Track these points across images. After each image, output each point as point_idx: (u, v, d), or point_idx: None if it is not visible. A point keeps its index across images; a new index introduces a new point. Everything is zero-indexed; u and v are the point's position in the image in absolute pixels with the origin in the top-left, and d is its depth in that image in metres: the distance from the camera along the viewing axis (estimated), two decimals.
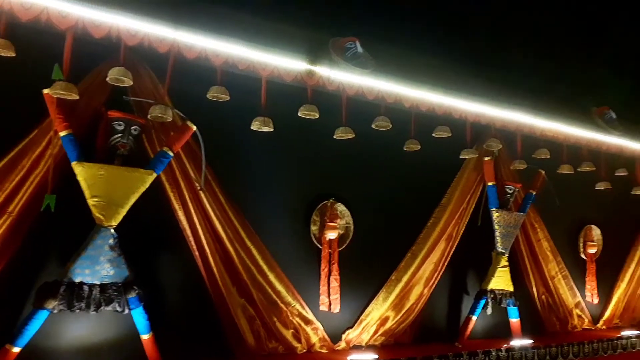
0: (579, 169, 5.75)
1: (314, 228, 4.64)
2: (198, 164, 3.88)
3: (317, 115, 4.03)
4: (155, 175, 3.60)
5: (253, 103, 3.87)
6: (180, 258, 3.97)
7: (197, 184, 3.88)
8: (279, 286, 4.23)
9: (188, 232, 3.91)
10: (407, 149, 4.68)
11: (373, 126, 4.42)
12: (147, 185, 3.56)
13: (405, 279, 4.92)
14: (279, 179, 4.49)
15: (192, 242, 3.93)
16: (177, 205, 3.88)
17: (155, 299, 3.79)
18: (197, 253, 3.94)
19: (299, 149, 4.55)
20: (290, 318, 4.30)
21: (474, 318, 5.21)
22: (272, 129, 3.88)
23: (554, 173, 5.70)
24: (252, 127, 3.88)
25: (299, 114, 4.03)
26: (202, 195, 3.90)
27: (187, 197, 3.88)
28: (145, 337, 3.58)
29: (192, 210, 3.88)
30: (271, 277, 4.19)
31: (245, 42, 3.79)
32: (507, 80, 5.79)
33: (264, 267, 4.15)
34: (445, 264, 5.20)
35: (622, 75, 8.11)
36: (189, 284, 4.01)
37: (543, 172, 5.67)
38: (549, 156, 5.43)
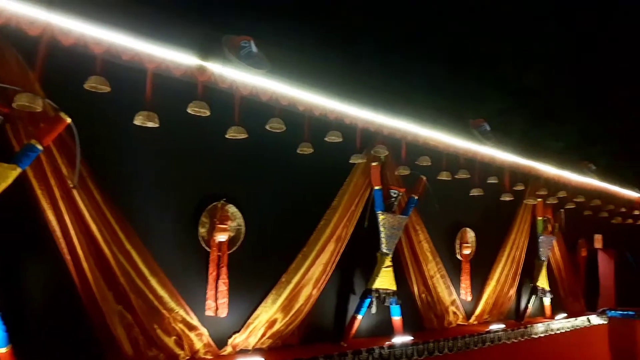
0: (456, 176, 6.22)
1: (202, 230, 4.49)
2: (72, 160, 3.55)
3: (208, 113, 3.90)
4: (19, 170, 3.24)
5: (138, 97, 3.64)
6: (49, 263, 3.61)
7: (69, 182, 3.55)
8: (161, 291, 4.02)
9: (58, 233, 3.57)
10: (301, 152, 4.72)
11: (267, 127, 4.40)
12: (9, 181, 3.19)
13: (295, 280, 4.95)
14: (165, 178, 4.28)
15: (63, 245, 3.59)
16: (46, 205, 3.52)
17: (17, 308, 3.40)
18: (68, 257, 3.60)
19: (188, 147, 4.38)
20: (173, 324, 4.11)
21: (359, 317, 5.40)
22: (157, 125, 3.67)
23: (434, 179, 6.10)
24: (135, 122, 3.64)
25: (188, 111, 3.88)
26: (76, 193, 3.58)
27: (57, 195, 3.53)
28: (1, 350, 3.20)
29: (64, 210, 3.55)
30: (153, 282, 3.96)
31: (131, 31, 3.55)
32: (395, 91, 6.10)
33: (145, 271, 3.92)
34: (334, 264, 5.32)
35: (498, 90, 8.92)
36: (58, 292, 3.66)
37: (424, 178, 6.05)
38: (430, 163, 5.80)
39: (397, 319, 5.63)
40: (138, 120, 3.63)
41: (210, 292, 4.40)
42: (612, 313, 9.45)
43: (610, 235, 10.03)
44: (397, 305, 5.60)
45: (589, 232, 9.61)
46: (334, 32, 5.87)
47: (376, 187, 5.64)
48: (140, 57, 3.62)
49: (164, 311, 4.05)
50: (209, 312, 4.39)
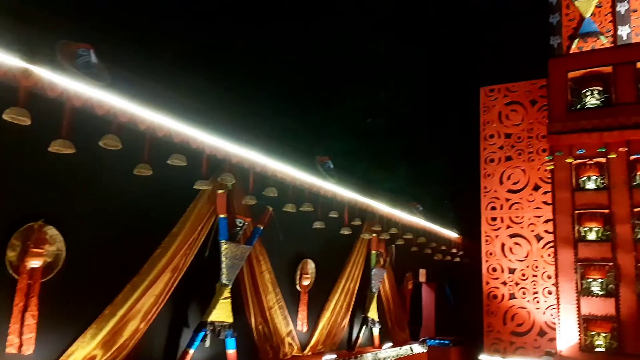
0: (300, 209, 6.40)
1: (11, 254, 3.89)
2: None
3: (29, 122, 3.46)
4: None
5: None
6: None
7: None
8: None
9: None
10: (138, 173, 4.43)
11: (100, 144, 4.05)
12: None
13: (120, 313, 4.53)
14: None
15: None
16: None
17: None
18: None
19: (3, 158, 3.81)
20: None
21: (191, 351, 5.14)
22: None
23: (280, 210, 6.20)
24: None
25: (4, 117, 3.39)
26: None
27: None
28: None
29: None
30: None
31: None
32: (247, 122, 6.16)
33: None
34: (168, 296, 5.00)
35: (344, 132, 9.52)
36: None
37: (271, 209, 6.11)
38: (276, 195, 5.89)
39: (231, 352, 5.48)
40: None
41: (13, 326, 3.80)
42: (431, 342, 10.46)
43: (432, 270, 11.19)
44: (233, 338, 5.46)
45: (415, 266, 10.60)
46: (191, 56, 5.78)
47: (221, 216, 5.52)
48: None
49: None
50: (12, 349, 3.78)
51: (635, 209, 7.89)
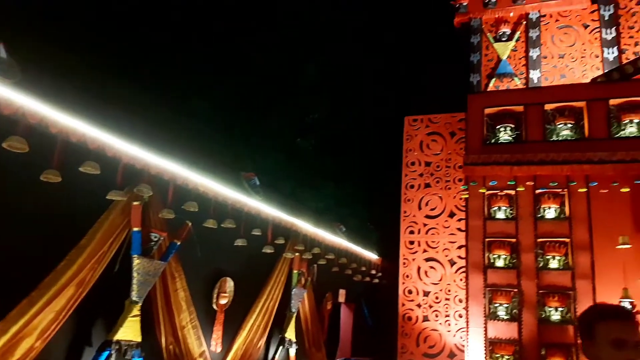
0: (222, 225, 6.25)
1: None
2: None
3: None
4: None
5: None
6: None
7: None
8: None
9: None
10: (45, 179, 4.12)
11: (4, 145, 3.73)
12: None
13: (13, 330, 4.13)
14: None
15: None
16: None
17: None
18: None
19: None
20: None
21: None
22: None
23: (200, 226, 6.02)
24: None
25: None
26: None
27: None
28: None
29: None
30: None
31: None
32: (170, 132, 5.97)
33: None
34: (70, 312, 4.65)
35: (274, 148, 9.50)
36: None
37: (190, 224, 5.92)
38: (197, 209, 5.72)
39: None
40: None
41: None
42: None
43: (352, 290, 11.34)
44: (140, 358, 5.16)
45: (336, 287, 10.69)
46: (116, 63, 5.54)
47: (135, 229, 5.25)
48: None
49: None
50: None
51: (539, 239, 8.50)
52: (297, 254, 8.32)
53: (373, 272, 11.46)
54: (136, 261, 5.21)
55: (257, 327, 7.65)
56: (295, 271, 8.43)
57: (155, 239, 5.47)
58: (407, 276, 9.67)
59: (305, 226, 8.24)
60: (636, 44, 9.82)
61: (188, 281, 6.22)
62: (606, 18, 10.01)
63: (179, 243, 5.80)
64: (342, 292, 10.81)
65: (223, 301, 6.93)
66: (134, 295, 5.18)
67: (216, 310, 6.87)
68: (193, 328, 6.25)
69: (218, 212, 6.22)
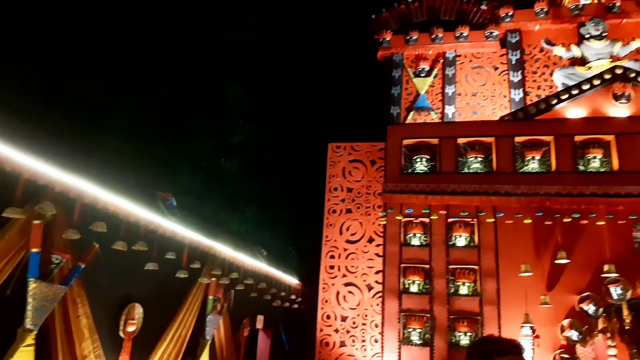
0: (133, 247, 5.95)
1: None
2: None
3: None
4: None
5: None
6: None
7: None
8: None
9: None
10: None
11: None
12: None
13: None
14: None
15: None
16: None
17: None
18: None
19: None
20: None
21: None
22: None
23: (108, 248, 5.68)
24: None
25: None
26: None
27: None
28: None
29: None
30: None
31: None
32: (85, 149, 5.65)
33: None
34: None
35: (196, 168, 9.27)
36: None
37: (97, 246, 5.57)
38: (106, 230, 5.41)
39: None
40: None
41: None
42: None
43: (271, 316, 11.16)
44: None
45: (254, 312, 10.47)
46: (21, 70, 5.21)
47: (34, 250, 4.84)
48: None
49: None
50: None
51: (450, 266, 8.90)
52: (213, 279, 8.07)
53: (293, 297, 11.39)
54: (32, 285, 4.79)
55: (167, 356, 7.27)
56: (210, 297, 8.16)
57: (57, 262, 5.08)
58: (326, 301, 9.70)
59: (224, 250, 8.05)
60: (539, 87, 10.80)
61: (92, 307, 5.80)
62: (513, 62, 10.93)
63: (83, 266, 5.42)
64: (260, 318, 10.61)
65: (131, 328, 6.53)
66: (28, 323, 4.74)
67: (123, 338, 6.46)
68: (96, 358, 5.82)
69: (129, 234, 5.92)
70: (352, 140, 10.65)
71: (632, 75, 9.21)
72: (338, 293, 9.70)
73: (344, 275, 9.80)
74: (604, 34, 10.53)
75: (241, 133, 10.69)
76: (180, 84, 8.23)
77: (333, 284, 9.78)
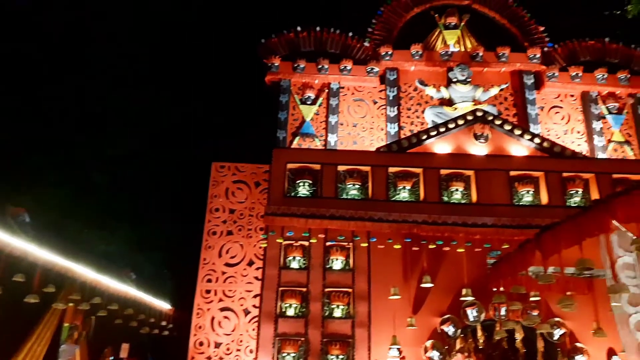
0: None
1: None
2: None
3: None
4: None
5: None
6: None
7: None
8: None
9: None
10: None
11: None
12: None
13: None
14: None
15: None
16: None
17: None
18: None
19: None
20: None
21: None
22: None
23: None
24: None
25: None
26: None
27: None
28: None
29: None
30: None
31: None
32: None
33: None
34: None
35: (60, 181, 8.42)
36: None
37: None
38: None
39: None
40: None
41: None
42: None
43: (138, 344, 10.39)
44: None
45: (118, 340, 9.67)
46: None
47: None
48: None
49: None
50: None
51: (326, 289, 9.07)
52: (71, 304, 7.32)
53: (164, 323, 10.74)
54: None
55: None
56: (66, 324, 7.38)
57: None
58: (200, 327, 9.29)
59: (85, 272, 7.36)
60: (412, 123, 11.65)
61: None
62: (391, 98, 11.70)
63: None
64: (124, 347, 9.82)
65: None
66: None
67: None
68: None
69: None
70: (237, 160, 10.51)
71: (490, 118, 10.36)
72: (213, 318, 9.35)
73: (221, 300, 9.49)
74: (468, 79, 11.74)
75: (118, 145, 10.01)
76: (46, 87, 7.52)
77: (208, 309, 9.41)
